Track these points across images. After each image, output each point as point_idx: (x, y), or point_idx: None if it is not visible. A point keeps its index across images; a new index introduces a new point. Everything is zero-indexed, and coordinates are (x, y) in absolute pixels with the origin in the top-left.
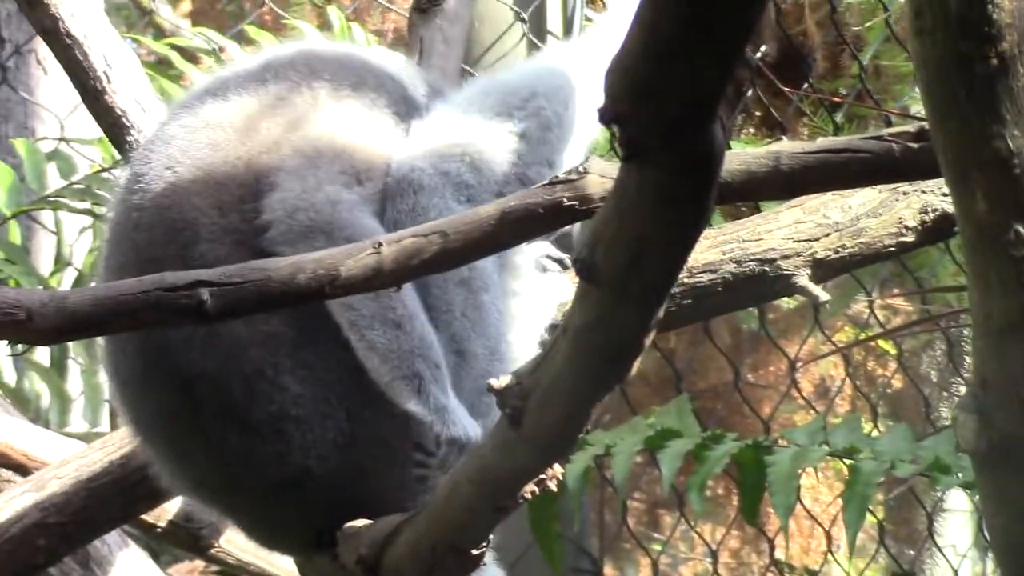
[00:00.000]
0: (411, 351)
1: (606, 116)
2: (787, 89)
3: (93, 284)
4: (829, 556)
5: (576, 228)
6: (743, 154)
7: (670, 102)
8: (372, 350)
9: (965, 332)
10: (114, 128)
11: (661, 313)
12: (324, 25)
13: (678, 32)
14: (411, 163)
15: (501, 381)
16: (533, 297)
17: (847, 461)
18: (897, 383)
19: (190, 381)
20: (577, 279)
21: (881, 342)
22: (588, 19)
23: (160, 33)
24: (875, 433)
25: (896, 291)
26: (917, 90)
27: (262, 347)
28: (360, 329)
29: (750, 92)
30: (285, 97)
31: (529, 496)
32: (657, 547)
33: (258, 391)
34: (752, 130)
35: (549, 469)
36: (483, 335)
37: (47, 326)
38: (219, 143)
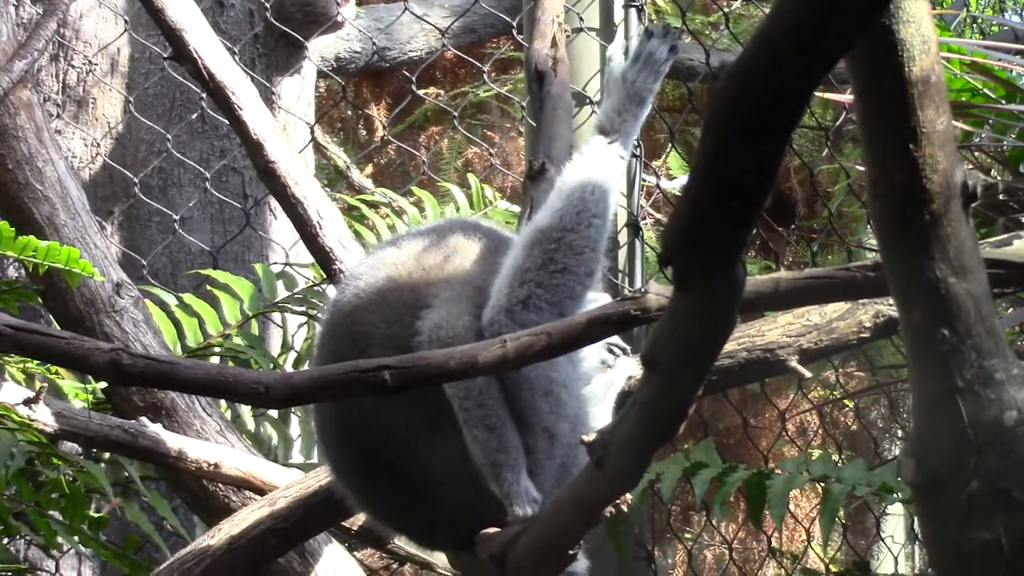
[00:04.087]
0: (497, 448)
1: (663, 260)
2: (779, 228)
3: (306, 366)
4: (808, 546)
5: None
6: (755, 280)
7: (706, 252)
8: (474, 441)
9: (901, 394)
10: (324, 260)
11: (700, 391)
12: (464, 183)
13: (711, 208)
14: (493, 317)
15: (589, 436)
16: (601, 378)
17: (822, 484)
18: (854, 427)
19: (364, 448)
20: (641, 365)
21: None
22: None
23: (352, 187)
24: (840, 463)
25: (853, 364)
26: (870, 229)
27: (407, 430)
28: (468, 426)
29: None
30: (440, 245)
31: (608, 515)
32: (688, 537)
33: (406, 459)
34: (753, 253)
35: (622, 496)
36: (564, 418)
37: (279, 396)
38: (392, 276)
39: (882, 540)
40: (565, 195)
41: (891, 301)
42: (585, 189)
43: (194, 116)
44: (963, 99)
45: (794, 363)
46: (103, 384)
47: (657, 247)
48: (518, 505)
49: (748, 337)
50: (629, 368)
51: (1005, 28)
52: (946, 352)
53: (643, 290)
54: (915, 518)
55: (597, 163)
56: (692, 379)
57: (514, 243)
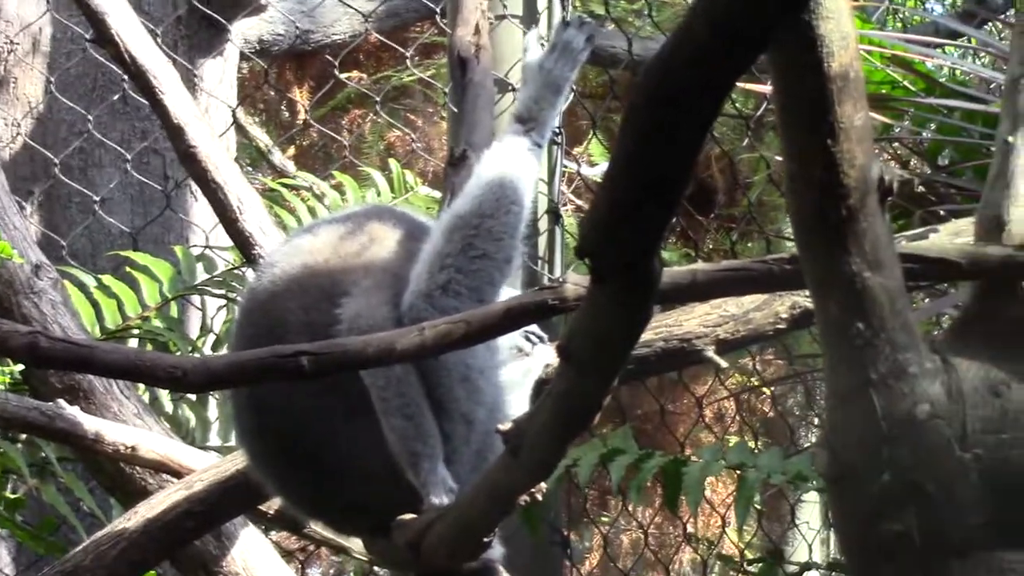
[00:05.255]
0: (414, 437)
1: (581, 253)
2: (699, 216)
3: (225, 350)
4: (723, 532)
5: None
6: (672, 271)
7: (624, 245)
8: (392, 431)
9: (818, 383)
10: (244, 244)
11: (616, 382)
12: (385, 167)
13: (629, 201)
14: (412, 302)
15: (505, 426)
16: (518, 366)
17: (738, 472)
18: (771, 414)
19: (280, 435)
20: (557, 356)
21: (757, 383)
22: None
23: (273, 169)
24: (757, 450)
25: (771, 352)
26: (788, 218)
27: (322, 417)
28: (386, 415)
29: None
30: (358, 233)
31: (523, 504)
32: (605, 521)
33: (322, 446)
34: (673, 240)
35: (537, 485)
36: (481, 405)
37: (197, 381)
38: (309, 263)
39: (796, 527)
40: (484, 183)
41: (808, 293)
42: (503, 177)
43: (116, 97)
44: (883, 92)
45: (711, 353)
46: (20, 366)
47: (577, 235)
48: (435, 494)
49: (665, 327)
50: (546, 356)
51: (927, 20)
52: (861, 346)
53: (561, 280)
54: (829, 509)
55: (515, 151)
56: (608, 371)
57: (433, 229)
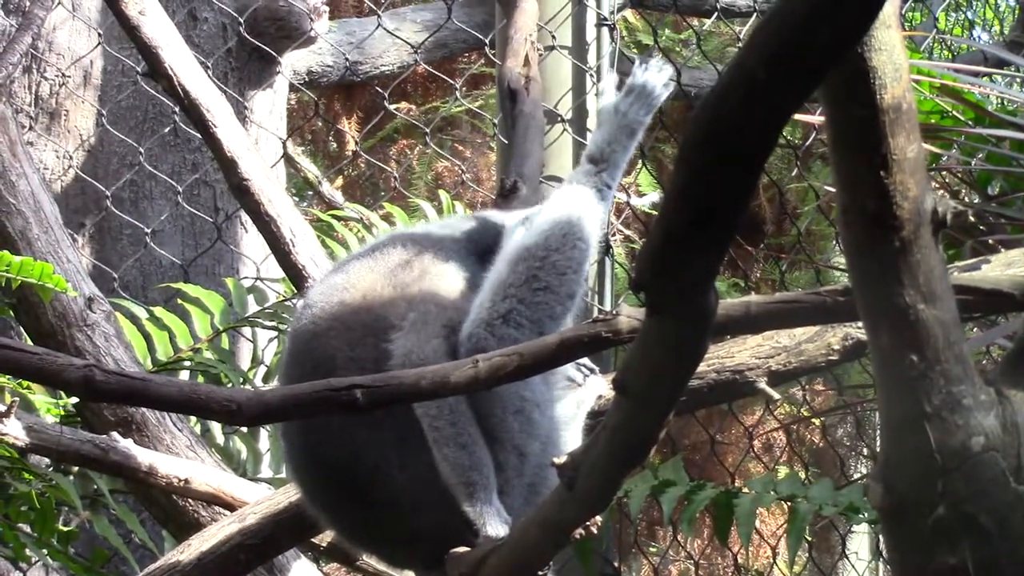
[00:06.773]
0: (470, 467)
1: (636, 286)
2: (748, 246)
3: (275, 382)
4: (773, 563)
5: None
6: (726, 303)
7: (679, 279)
8: (445, 461)
9: (867, 413)
10: (296, 277)
11: (671, 416)
12: (434, 198)
13: (683, 235)
14: (472, 331)
15: (560, 459)
16: (571, 397)
17: (789, 504)
18: (820, 444)
19: (333, 468)
20: (612, 389)
21: (807, 413)
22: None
23: (322, 200)
24: (806, 481)
25: (820, 381)
26: (838, 248)
27: (375, 450)
28: (440, 445)
29: None
30: (400, 265)
31: (577, 537)
32: (654, 552)
33: (375, 478)
34: (722, 270)
35: (592, 519)
36: (535, 438)
37: (251, 414)
38: (346, 301)
39: (847, 558)
40: (552, 218)
41: (860, 324)
42: (572, 213)
43: (166, 129)
44: (932, 121)
45: (763, 385)
46: (73, 398)
47: (626, 264)
48: (491, 525)
49: (717, 358)
50: (598, 387)
51: (974, 49)
52: (914, 378)
53: (615, 312)
54: (880, 538)
55: (585, 190)
56: (663, 404)
57: (498, 259)
